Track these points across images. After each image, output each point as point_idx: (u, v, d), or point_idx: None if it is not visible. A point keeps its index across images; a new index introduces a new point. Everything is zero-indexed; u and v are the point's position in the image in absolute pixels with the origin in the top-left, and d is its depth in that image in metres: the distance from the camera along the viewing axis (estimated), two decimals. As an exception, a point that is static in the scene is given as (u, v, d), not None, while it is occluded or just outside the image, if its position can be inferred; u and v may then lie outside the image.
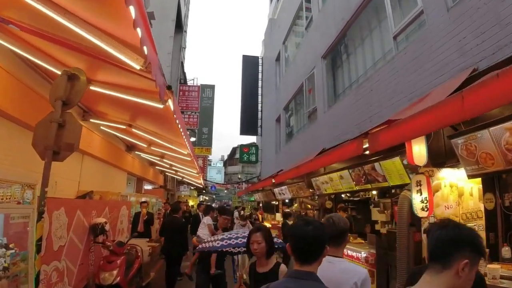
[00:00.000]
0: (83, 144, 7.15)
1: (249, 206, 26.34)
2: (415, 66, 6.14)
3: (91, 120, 7.09)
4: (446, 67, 5.26)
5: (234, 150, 55.16)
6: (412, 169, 5.25)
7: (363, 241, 6.44)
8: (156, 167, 14.96)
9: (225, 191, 52.16)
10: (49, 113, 3.01)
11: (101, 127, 7.60)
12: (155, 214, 12.42)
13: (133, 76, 3.16)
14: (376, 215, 8.27)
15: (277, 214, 14.04)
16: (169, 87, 2.96)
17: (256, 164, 29.51)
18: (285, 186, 12.04)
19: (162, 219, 16.04)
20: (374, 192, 8.44)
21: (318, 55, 10.71)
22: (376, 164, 5.96)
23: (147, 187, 16.34)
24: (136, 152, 11.16)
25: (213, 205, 45.92)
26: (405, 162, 5.34)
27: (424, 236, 4.33)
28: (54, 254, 3.69)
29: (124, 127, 6.06)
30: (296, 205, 12.82)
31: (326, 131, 9.69)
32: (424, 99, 5.13)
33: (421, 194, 4.25)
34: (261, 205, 20.21)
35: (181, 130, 4.63)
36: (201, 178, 13.60)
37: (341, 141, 8.39)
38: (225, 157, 60.78)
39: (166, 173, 17.45)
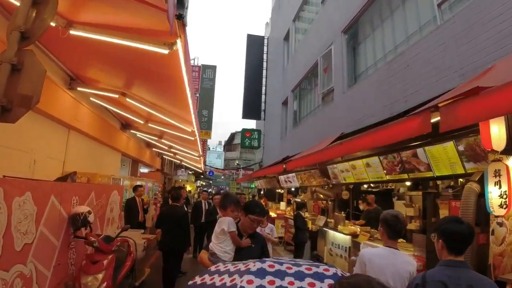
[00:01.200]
0: (68, 117, 6.11)
1: (248, 193, 25.52)
2: (467, 37, 5.17)
3: (78, 88, 6.04)
4: (510, 38, 4.32)
5: (232, 136, 54.12)
6: (470, 157, 4.30)
7: (404, 242, 5.53)
8: (154, 148, 13.95)
9: (222, 177, 51.35)
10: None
11: (91, 98, 6.54)
12: (151, 199, 11.48)
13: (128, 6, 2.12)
14: (400, 209, 7.37)
15: (281, 203, 13.16)
16: (179, 16, 1.92)
17: (256, 151, 28.54)
18: (293, 174, 11.10)
19: (159, 205, 15.17)
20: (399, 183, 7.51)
21: (337, 30, 9.60)
22: (420, 150, 5.02)
23: (143, 170, 15.35)
24: (132, 131, 10.12)
25: (210, 190, 45.23)
26: (460, 148, 4.40)
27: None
28: (16, 256, 2.72)
29: (117, 96, 5.01)
30: (303, 194, 11.92)
31: (344, 114, 8.68)
32: (488, 73, 4.11)
33: (500, 187, 3.28)
34: (262, 192, 19.33)
35: (188, 91, 3.58)
36: (202, 162, 12.60)
37: (365, 125, 7.42)
38: (223, 143, 59.78)
39: (164, 156, 16.44)
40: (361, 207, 7.54)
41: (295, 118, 14.21)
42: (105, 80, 5.08)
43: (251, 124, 27.98)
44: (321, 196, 9.15)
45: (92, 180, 5.81)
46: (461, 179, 5.56)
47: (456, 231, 1.95)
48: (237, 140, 54.15)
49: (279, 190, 14.97)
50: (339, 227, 6.74)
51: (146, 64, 3.34)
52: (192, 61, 26.65)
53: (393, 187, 8.14)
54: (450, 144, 4.53)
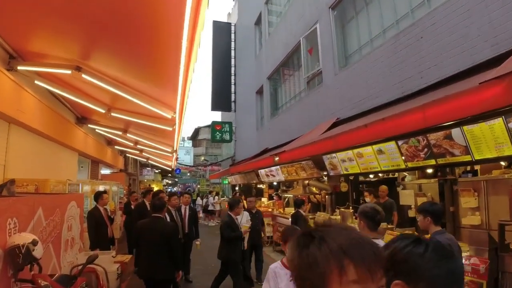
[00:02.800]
0: (8, 106, 4.62)
1: (220, 190, 24.32)
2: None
3: (19, 68, 4.59)
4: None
5: (197, 131, 52.18)
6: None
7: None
8: (116, 146, 12.32)
9: (188, 174, 49.41)
10: None
11: (36, 82, 5.06)
12: (117, 205, 9.98)
13: None
14: (407, 199, 6.67)
15: (263, 199, 12.17)
16: None
17: (223, 145, 27.31)
18: (277, 167, 10.13)
19: (124, 210, 13.61)
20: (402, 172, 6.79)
21: (323, 6, 8.67)
22: (456, 131, 4.19)
23: (105, 171, 13.64)
24: (90, 126, 8.56)
25: (175, 189, 43.15)
26: (511, 125, 3.63)
27: None
28: None
29: (70, 71, 3.66)
30: (292, 188, 11.01)
31: (337, 98, 7.81)
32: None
33: None
34: (237, 188, 18.23)
35: (183, 49, 2.42)
36: (174, 159, 11.22)
37: (368, 108, 6.58)
38: (186, 139, 57.57)
39: (127, 154, 14.78)
40: (368, 199, 6.71)
41: (274, 106, 13.21)
42: (54, 50, 3.71)
43: (217, 117, 26.60)
44: (314, 189, 8.25)
45: (42, 189, 4.41)
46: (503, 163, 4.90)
47: (439, 210, 2.86)
48: (202, 135, 52.34)
49: (260, 185, 13.96)
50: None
51: (116, 7, 2.14)
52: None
53: (395, 176, 7.42)
54: (498, 121, 3.73)
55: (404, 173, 6.82)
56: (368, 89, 6.74)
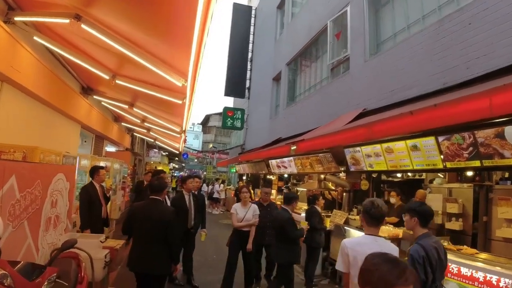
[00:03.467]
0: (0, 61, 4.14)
1: (226, 179, 23.84)
2: None
3: (16, 19, 4.07)
4: None
5: (207, 118, 51.69)
6: None
7: (476, 251, 4.06)
8: (123, 123, 11.83)
9: (196, 160, 49.10)
10: None
11: (35, 37, 4.50)
12: (118, 184, 9.53)
13: None
14: (435, 204, 6.00)
15: (272, 191, 11.58)
16: None
17: (232, 134, 26.71)
18: (290, 158, 9.52)
19: (128, 190, 13.17)
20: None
21: (355, -14, 7.91)
22: (509, 129, 3.55)
23: (110, 149, 13.19)
24: (95, 97, 8.03)
25: (182, 174, 42.95)
26: None
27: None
28: None
29: (68, 20, 3.07)
30: (304, 182, 10.42)
31: (366, 87, 7.10)
32: None
33: None
34: (244, 178, 17.70)
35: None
36: (182, 141, 10.66)
37: (401, 99, 5.90)
38: (196, 125, 57.20)
39: (135, 134, 14.31)
40: (393, 200, 6.07)
41: (291, 95, 12.52)
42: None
43: (229, 104, 25.90)
44: (330, 185, 7.62)
45: (30, 157, 3.87)
46: None
47: (428, 212, 2.70)
48: (212, 123, 51.82)
49: (270, 177, 13.37)
50: (371, 228, 5.24)
51: None
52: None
53: (422, 177, 6.75)
54: None
55: (439, 174, 6.13)
56: (402, 79, 6.03)
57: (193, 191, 5.53)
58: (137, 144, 15.68)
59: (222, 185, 16.60)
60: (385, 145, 5.32)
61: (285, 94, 12.64)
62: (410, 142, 4.85)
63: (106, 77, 5.12)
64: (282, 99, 13.00)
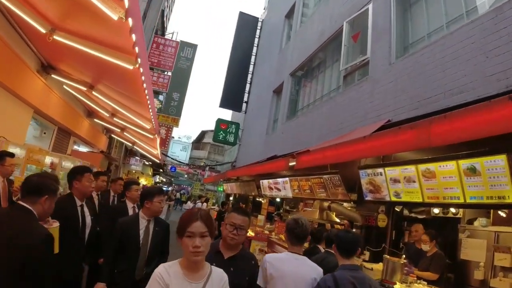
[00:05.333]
0: None
1: (212, 197, 22.02)
2: None
3: None
4: None
5: (203, 134, 50.17)
6: None
7: None
8: (96, 120, 10.25)
9: (186, 175, 47.12)
10: None
11: None
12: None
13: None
14: (474, 252, 4.44)
15: (259, 216, 9.88)
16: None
17: (226, 152, 25.10)
18: (286, 179, 7.92)
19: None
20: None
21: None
22: None
23: (82, 149, 11.54)
24: (54, 76, 6.49)
25: (170, 188, 40.94)
26: None
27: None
28: None
29: None
30: (303, 210, 8.78)
31: (391, 93, 5.63)
32: None
33: None
34: (231, 199, 15.97)
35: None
36: (157, 145, 9.00)
37: (443, 107, 4.42)
38: (190, 139, 55.54)
39: (112, 135, 12.70)
40: (425, 247, 4.42)
41: (293, 108, 11.07)
42: None
43: (225, 117, 24.34)
44: (334, 217, 5.97)
45: None
46: None
47: (348, 239, 2.39)
48: (207, 139, 50.24)
49: (260, 199, 11.70)
50: (398, 285, 3.55)
51: None
52: (169, 36, 23.07)
53: (457, 215, 5.17)
54: None
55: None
56: (442, 83, 4.58)
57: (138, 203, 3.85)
58: (115, 148, 14.04)
59: (205, 203, 14.82)
60: (423, 166, 3.77)
61: (286, 107, 11.20)
62: (464, 162, 3.31)
63: (42, 30, 3.60)
64: (281, 113, 11.54)
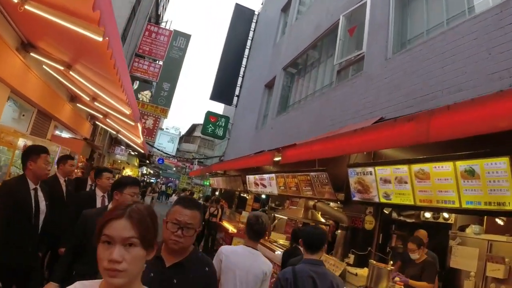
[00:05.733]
0: None
1: (198, 191, 21.67)
2: None
3: None
4: None
5: (194, 127, 49.66)
6: None
7: None
8: (79, 105, 9.80)
9: (174, 168, 46.57)
10: None
11: None
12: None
13: None
14: (465, 261, 4.25)
15: (243, 212, 9.60)
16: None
17: (216, 147, 24.72)
18: (272, 175, 7.65)
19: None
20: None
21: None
22: None
23: (65, 135, 11.07)
24: (33, 55, 6.06)
25: (158, 180, 40.25)
26: None
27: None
28: None
29: None
30: (288, 208, 8.52)
31: (386, 90, 5.38)
32: None
33: None
34: (217, 193, 15.65)
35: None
36: (140, 134, 8.62)
37: (442, 104, 4.16)
38: (180, 131, 54.88)
39: (96, 122, 12.23)
40: (414, 255, 4.16)
41: (284, 103, 10.78)
42: None
43: (218, 112, 23.88)
44: (320, 217, 5.71)
45: None
46: None
47: (313, 235, 2.43)
48: (198, 133, 49.80)
49: (245, 195, 11.41)
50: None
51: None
52: (163, 24, 22.52)
53: (449, 221, 4.96)
54: None
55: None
56: (442, 79, 4.34)
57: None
58: (100, 136, 13.56)
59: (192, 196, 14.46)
60: (416, 166, 3.53)
61: (277, 102, 10.91)
62: (462, 164, 3.07)
63: (12, -2, 3.22)
64: (272, 108, 11.24)
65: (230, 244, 7.56)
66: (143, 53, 18.84)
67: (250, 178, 9.23)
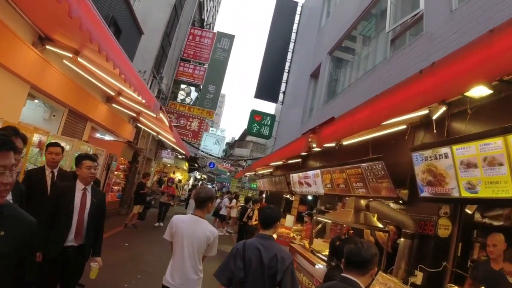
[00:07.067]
0: None
1: (253, 196, 20.92)
2: None
3: None
4: None
5: (245, 132, 49.55)
6: None
7: None
8: (115, 105, 9.55)
9: (228, 173, 46.69)
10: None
11: None
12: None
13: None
14: None
15: (288, 216, 8.50)
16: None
17: (268, 148, 23.82)
18: (316, 171, 6.50)
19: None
20: None
21: None
22: None
23: (108, 137, 11.02)
24: (49, 47, 5.70)
25: (212, 186, 40.46)
26: None
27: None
28: None
29: None
30: (337, 208, 7.34)
31: (457, 47, 4.00)
32: None
33: None
34: (263, 196, 14.72)
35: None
36: (167, 127, 7.78)
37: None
38: (225, 132, 55.07)
39: (138, 125, 12.06)
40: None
41: (331, 90, 9.53)
42: None
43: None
44: (375, 221, 4.43)
45: None
46: None
47: (267, 215, 2.61)
48: (250, 137, 49.61)
49: (289, 196, 10.31)
50: None
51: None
52: (207, 26, 22.44)
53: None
54: None
55: None
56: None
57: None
58: (143, 138, 13.44)
59: (234, 200, 13.68)
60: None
61: (323, 91, 9.68)
62: None
63: None
64: (318, 98, 10.04)
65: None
66: (188, 57, 18.77)
67: (294, 176, 8.16)
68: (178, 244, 2.75)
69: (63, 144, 6.01)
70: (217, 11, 39.89)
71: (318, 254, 4.72)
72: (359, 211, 4.44)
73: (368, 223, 4.41)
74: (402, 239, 3.71)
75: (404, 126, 4.06)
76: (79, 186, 2.94)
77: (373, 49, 7.41)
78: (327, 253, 4.96)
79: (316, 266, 4.08)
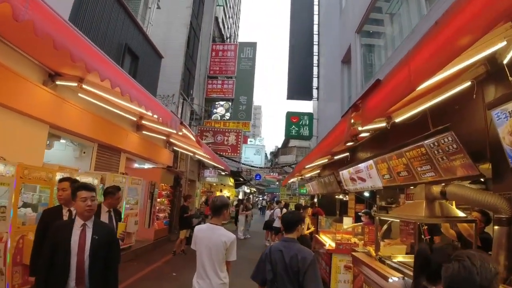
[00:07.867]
0: None
1: (296, 202, 20.00)
2: None
3: None
4: None
5: (288, 139, 48.67)
6: None
7: None
8: (145, 132, 9.33)
9: (277, 183, 45.89)
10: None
11: None
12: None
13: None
14: None
15: (344, 218, 7.54)
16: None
17: (310, 149, 22.78)
18: (370, 162, 5.57)
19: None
20: None
21: None
22: None
23: (147, 166, 10.89)
24: (59, 83, 5.48)
25: (262, 198, 39.74)
26: None
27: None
28: None
29: None
30: (396, 206, 6.35)
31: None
32: None
33: None
34: (315, 200, 13.74)
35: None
36: (194, 141, 7.25)
37: None
38: (263, 141, 54.31)
39: (175, 148, 11.83)
40: None
41: (367, 71, 8.55)
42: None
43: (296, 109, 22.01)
44: (455, 210, 3.44)
45: None
46: None
47: (288, 219, 2.80)
48: (293, 143, 48.58)
49: (342, 196, 9.32)
50: None
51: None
52: (227, 40, 22.26)
53: None
54: None
55: None
56: None
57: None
58: (182, 161, 13.21)
59: (284, 209, 12.87)
60: None
61: (359, 73, 8.70)
62: None
63: None
64: (355, 84, 9.07)
65: (330, 264, 5.66)
66: (215, 73, 18.61)
67: (344, 173, 7.26)
68: (198, 252, 2.92)
69: (89, 179, 5.76)
70: (238, 26, 40.11)
71: (389, 262, 3.80)
72: (432, 201, 3.48)
73: (446, 214, 3.42)
74: (495, 227, 2.72)
75: (469, 83, 3.12)
76: (78, 222, 2.43)
77: (405, 11, 6.39)
78: (398, 258, 4.03)
79: (390, 280, 3.18)
